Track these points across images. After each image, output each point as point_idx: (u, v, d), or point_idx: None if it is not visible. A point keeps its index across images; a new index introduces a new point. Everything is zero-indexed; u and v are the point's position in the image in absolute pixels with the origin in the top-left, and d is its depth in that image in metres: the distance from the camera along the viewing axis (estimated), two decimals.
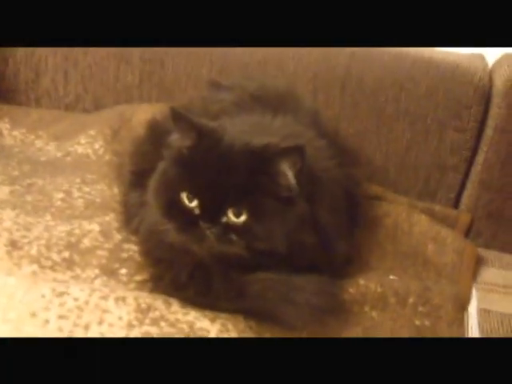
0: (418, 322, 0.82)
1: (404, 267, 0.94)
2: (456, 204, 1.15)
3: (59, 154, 1.12)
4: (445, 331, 0.82)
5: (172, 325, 0.71)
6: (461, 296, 0.90)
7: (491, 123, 1.06)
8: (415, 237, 1.00)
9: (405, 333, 0.80)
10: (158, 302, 0.74)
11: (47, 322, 0.70)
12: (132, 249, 0.86)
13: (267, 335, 0.74)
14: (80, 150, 1.12)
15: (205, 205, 0.73)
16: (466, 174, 1.12)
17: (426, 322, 0.83)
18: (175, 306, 0.74)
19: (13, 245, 0.84)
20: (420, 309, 0.84)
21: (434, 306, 0.85)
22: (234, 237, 0.72)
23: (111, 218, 0.92)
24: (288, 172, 0.73)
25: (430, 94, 1.09)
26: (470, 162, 1.11)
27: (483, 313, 0.89)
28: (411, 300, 0.85)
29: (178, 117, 0.76)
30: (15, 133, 1.18)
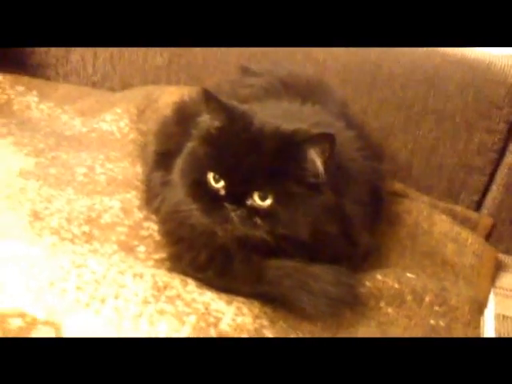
0: (433, 322, 0.82)
1: (422, 266, 0.93)
2: (478, 207, 1.13)
3: (84, 130, 1.13)
4: (460, 333, 0.81)
5: (187, 304, 0.71)
6: (478, 299, 0.88)
7: None
8: (435, 236, 0.99)
9: (419, 331, 0.79)
10: (175, 281, 0.74)
11: (65, 291, 0.70)
12: (152, 227, 0.86)
13: (281, 322, 0.73)
14: (105, 127, 1.13)
15: (231, 186, 0.72)
16: (492, 177, 1.11)
17: (441, 323, 0.82)
18: (192, 286, 0.74)
19: (35, 215, 0.85)
20: (436, 308, 0.83)
21: (451, 307, 0.84)
22: (258, 220, 0.71)
23: (133, 196, 0.92)
24: (316, 159, 0.72)
25: (460, 92, 1.07)
26: (497, 165, 1.09)
27: (500, 318, 0.88)
28: (428, 299, 0.84)
29: (209, 98, 0.75)
30: (42, 106, 1.19)
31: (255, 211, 0.72)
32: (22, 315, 0.66)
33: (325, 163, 0.72)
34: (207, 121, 0.77)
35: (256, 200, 0.72)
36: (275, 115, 0.79)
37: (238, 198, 0.72)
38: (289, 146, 0.72)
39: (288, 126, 0.74)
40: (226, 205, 0.72)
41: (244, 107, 0.78)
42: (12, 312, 0.66)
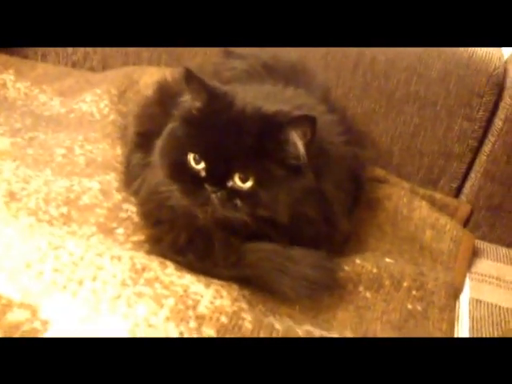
0: (410, 306, 0.83)
1: (401, 251, 0.93)
2: (457, 194, 1.14)
3: (63, 110, 1.11)
4: (436, 316, 0.82)
5: (166, 287, 0.70)
6: (454, 284, 0.90)
7: (501, 114, 1.05)
8: (414, 222, 1.00)
9: (396, 315, 0.80)
10: (154, 264, 0.73)
11: (42, 273, 0.70)
12: (131, 209, 0.85)
13: (260, 306, 0.73)
14: (84, 107, 1.11)
15: (212, 167, 0.72)
16: (471, 164, 1.11)
17: (418, 307, 0.83)
18: (171, 268, 0.74)
19: (11, 196, 0.83)
20: (413, 293, 0.85)
21: (428, 292, 0.85)
22: (238, 202, 0.71)
23: (112, 178, 0.91)
24: (298, 141, 0.72)
25: (442, 79, 1.07)
26: (476, 153, 1.10)
27: (475, 302, 0.89)
28: (405, 284, 0.85)
29: (191, 77, 0.74)
30: (19, 85, 1.17)
31: (236, 193, 0.71)
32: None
33: (306, 145, 0.72)
34: (188, 101, 0.76)
35: (236, 182, 0.71)
36: (257, 97, 0.79)
37: (218, 180, 0.71)
38: (270, 128, 0.72)
39: (269, 107, 0.74)
40: (207, 186, 0.72)
41: (226, 88, 0.77)
42: None
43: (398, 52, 1.10)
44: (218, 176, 0.72)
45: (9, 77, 1.16)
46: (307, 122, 0.71)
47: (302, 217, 0.75)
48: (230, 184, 0.72)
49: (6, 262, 0.70)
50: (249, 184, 0.71)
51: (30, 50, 1.31)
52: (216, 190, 0.71)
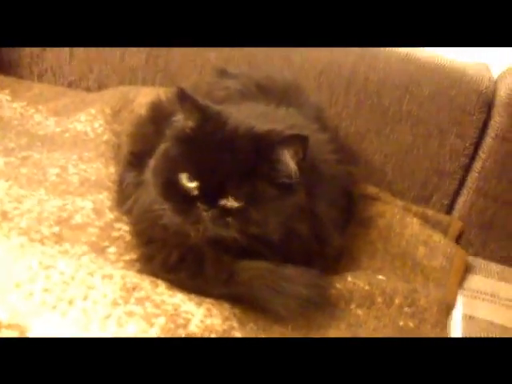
0: (402, 323, 0.83)
1: (393, 268, 0.94)
2: (450, 210, 1.15)
3: (58, 130, 1.12)
4: (428, 333, 0.82)
5: (157, 306, 0.70)
6: (446, 300, 0.90)
7: (491, 132, 1.06)
8: (406, 239, 1.00)
9: (388, 332, 0.80)
10: (145, 283, 0.74)
11: (31, 293, 0.69)
12: (123, 228, 0.85)
13: (251, 324, 0.73)
14: (79, 127, 1.11)
15: (204, 186, 0.72)
16: (462, 181, 1.12)
17: (410, 324, 0.83)
18: (162, 287, 0.74)
19: (3, 215, 0.83)
20: (405, 309, 0.85)
21: (420, 308, 0.85)
22: (229, 220, 0.72)
23: (105, 197, 0.92)
24: (289, 160, 0.73)
25: (434, 98, 1.09)
26: (467, 170, 1.11)
27: (468, 318, 0.89)
28: (397, 300, 0.85)
29: (184, 97, 0.75)
30: (15, 105, 1.17)
31: (227, 211, 0.72)
32: None
33: (298, 164, 0.73)
34: (181, 120, 0.77)
35: (228, 200, 0.72)
36: (250, 117, 0.80)
37: (210, 198, 0.72)
38: (262, 147, 0.73)
39: (261, 126, 0.75)
40: (199, 205, 0.72)
41: (219, 107, 0.78)
42: None
43: (390, 71, 1.11)
44: (211, 195, 0.72)
45: (5, 97, 1.17)
46: (299, 141, 0.72)
47: (293, 234, 0.75)
48: (221, 202, 0.72)
49: None
50: (240, 202, 0.72)
51: (26, 70, 1.32)
52: (208, 208, 0.72)
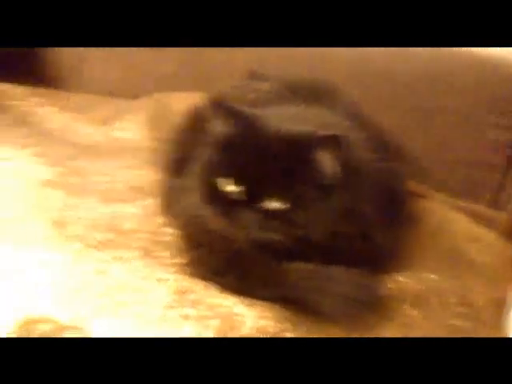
0: (457, 323, 0.81)
1: (444, 267, 0.91)
2: (497, 205, 1.12)
3: (100, 139, 1.15)
4: (485, 334, 0.80)
5: (210, 308, 0.71)
6: (502, 299, 0.87)
7: None
8: (456, 236, 0.98)
9: (443, 333, 0.78)
10: (197, 286, 0.75)
11: (90, 298, 0.71)
12: (172, 233, 0.87)
13: (303, 325, 0.73)
14: (121, 135, 1.15)
15: (247, 190, 0.73)
16: (507, 174, 1.09)
17: (466, 324, 0.81)
18: (214, 290, 0.74)
19: (59, 223, 0.86)
20: (460, 310, 0.82)
21: (475, 308, 0.83)
22: (273, 223, 0.72)
23: (152, 203, 0.93)
24: (328, 160, 0.72)
25: (473, 90, 1.06)
26: None
27: None
28: (451, 300, 0.83)
29: (220, 104, 0.76)
30: (59, 116, 1.22)
31: (270, 214, 0.72)
32: (51, 321, 0.67)
33: (336, 164, 0.73)
34: (219, 126, 0.78)
35: (270, 203, 0.72)
36: (285, 119, 0.80)
37: (253, 202, 0.72)
38: (299, 149, 0.73)
39: (297, 129, 0.75)
40: (242, 209, 0.73)
41: (254, 112, 0.79)
42: (40, 318, 0.67)
43: (425, 64, 1.10)
44: (253, 198, 0.72)
45: (51, 109, 1.21)
46: (335, 141, 0.72)
47: (337, 235, 0.75)
48: (264, 206, 0.72)
49: (57, 289, 0.72)
50: (284, 205, 0.72)
51: (68, 82, 1.36)
52: (251, 211, 0.72)
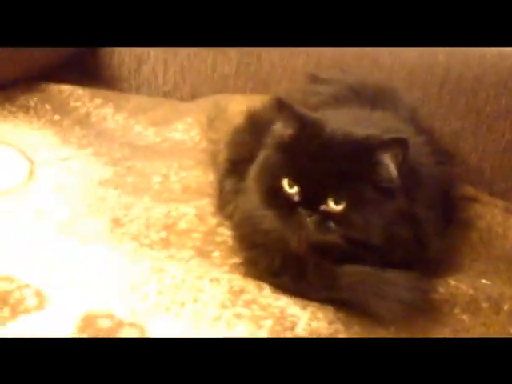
0: (511, 330, 0.80)
1: (498, 272, 0.90)
2: None
3: (157, 139, 1.18)
4: None
5: (263, 308, 0.73)
6: None
7: None
8: (510, 241, 0.96)
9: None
10: (251, 286, 0.77)
11: (146, 295, 0.75)
12: (226, 233, 0.89)
13: (356, 327, 0.74)
14: (177, 136, 1.17)
15: (305, 192, 0.74)
16: None
17: None
18: (267, 290, 0.76)
19: (115, 222, 0.90)
20: None
21: None
22: (332, 225, 0.73)
23: (206, 203, 0.96)
24: (389, 163, 0.73)
25: None
26: None
27: None
28: (506, 306, 0.82)
29: (283, 106, 0.78)
30: (117, 117, 1.25)
31: (329, 216, 0.73)
32: (111, 317, 0.70)
33: (397, 168, 0.73)
34: (280, 129, 0.79)
35: (330, 205, 0.73)
36: (346, 122, 0.81)
37: (312, 204, 0.74)
38: (361, 151, 0.74)
39: (360, 131, 0.76)
40: (300, 210, 0.74)
41: (316, 114, 0.80)
42: (102, 313, 0.71)
43: (485, 67, 1.08)
44: (312, 200, 0.74)
45: (109, 110, 1.25)
46: (398, 144, 0.72)
47: (394, 239, 0.75)
48: (323, 207, 0.74)
49: (117, 285, 0.75)
50: (342, 206, 0.73)
51: (126, 83, 1.40)
52: (310, 213, 0.73)
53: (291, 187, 0.75)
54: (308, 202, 0.74)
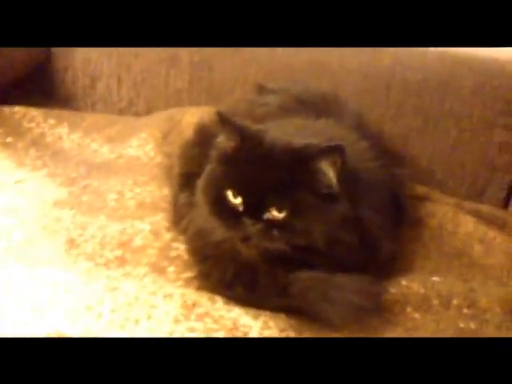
0: (462, 325, 0.81)
1: (449, 268, 0.93)
2: (505, 204, 1.12)
3: (112, 156, 1.18)
4: (491, 335, 0.80)
5: (216, 321, 0.74)
6: (510, 298, 0.88)
7: None
8: (460, 237, 0.99)
9: (448, 335, 0.80)
10: (204, 299, 0.77)
11: (101, 315, 0.75)
12: (180, 247, 0.90)
13: (307, 333, 0.75)
14: (132, 152, 1.17)
15: (248, 201, 0.76)
16: None
17: (472, 325, 0.82)
18: (220, 303, 0.77)
19: (71, 243, 0.90)
20: (465, 311, 0.83)
21: (480, 309, 0.84)
22: (275, 232, 0.75)
23: (161, 218, 0.96)
24: (328, 170, 0.75)
25: (476, 92, 1.08)
26: None
27: None
28: (455, 302, 0.84)
29: (224, 120, 0.80)
30: (73, 136, 1.24)
31: (272, 224, 0.75)
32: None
33: (337, 174, 0.75)
34: (223, 141, 0.81)
35: (272, 213, 0.75)
36: (289, 132, 0.83)
37: (255, 213, 0.75)
38: (300, 160, 0.76)
39: (299, 141, 0.78)
40: (245, 219, 0.75)
41: (256, 126, 0.82)
42: (54, 335, 0.71)
43: (428, 69, 1.11)
44: (255, 209, 0.76)
45: (64, 130, 1.24)
46: (336, 151, 0.74)
47: (339, 243, 0.77)
48: (266, 216, 0.75)
49: (67, 305, 0.75)
50: (284, 214, 0.75)
51: (81, 102, 1.40)
52: (254, 222, 0.75)
53: (235, 198, 0.77)
54: (252, 211, 0.75)
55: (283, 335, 0.73)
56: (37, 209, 0.98)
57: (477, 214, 1.05)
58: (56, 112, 1.30)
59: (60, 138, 1.24)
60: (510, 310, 0.85)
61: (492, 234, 1.00)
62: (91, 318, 0.74)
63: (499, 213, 1.08)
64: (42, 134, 1.24)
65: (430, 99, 1.11)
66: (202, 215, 0.84)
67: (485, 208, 1.08)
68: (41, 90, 1.40)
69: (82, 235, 0.92)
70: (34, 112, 1.27)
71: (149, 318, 0.74)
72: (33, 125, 1.25)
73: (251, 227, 0.75)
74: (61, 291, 0.78)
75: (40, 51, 1.36)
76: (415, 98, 1.12)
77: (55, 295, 0.78)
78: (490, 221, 1.05)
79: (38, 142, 1.22)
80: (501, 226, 1.05)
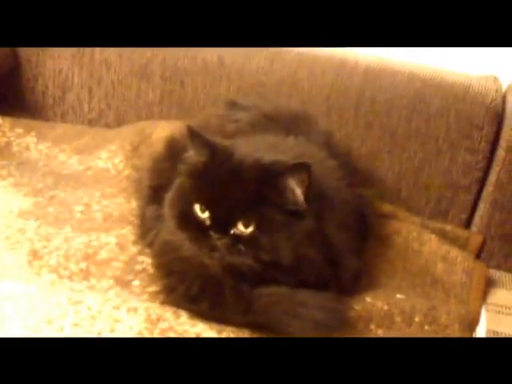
0: None
1: (412, 286, 0.95)
2: (468, 224, 1.15)
3: (81, 168, 1.17)
4: None
5: (179, 336, 0.73)
6: (469, 316, 0.90)
7: (503, 144, 1.07)
8: (425, 256, 1.01)
9: None
10: (168, 314, 0.77)
11: (62, 328, 0.73)
12: (146, 261, 0.89)
13: None
14: (101, 164, 1.16)
15: (215, 216, 0.76)
16: (479, 195, 1.13)
17: None
18: (184, 317, 0.77)
19: (34, 254, 0.88)
20: (426, 328, 0.85)
21: (441, 326, 0.86)
22: (242, 247, 0.75)
23: (128, 231, 0.96)
24: (295, 188, 0.76)
25: (441, 114, 1.11)
26: (482, 183, 1.12)
27: (492, 334, 0.88)
28: (417, 319, 0.86)
29: (194, 135, 0.80)
30: (41, 146, 1.22)
31: (239, 239, 0.75)
32: None
33: (304, 191, 0.76)
34: (193, 156, 0.81)
35: (239, 228, 0.76)
36: (258, 148, 0.83)
37: (222, 227, 0.76)
38: (268, 177, 0.76)
39: (268, 157, 0.79)
40: (211, 234, 0.76)
41: (226, 142, 0.83)
42: None
43: (396, 90, 1.14)
44: (222, 223, 0.76)
45: (31, 139, 1.23)
46: (303, 169, 0.75)
47: (304, 259, 0.78)
48: (233, 231, 0.76)
49: (29, 320, 0.74)
50: (250, 229, 0.75)
51: (50, 111, 1.38)
52: (220, 236, 0.75)
53: (203, 212, 0.77)
54: (218, 225, 0.76)
55: None
56: (0, 219, 0.96)
57: (441, 233, 1.08)
58: (24, 121, 1.28)
59: (27, 147, 1.23)
60: (469, 328, 0.88)
61: (454, 252, 1.02)
62: (52, 332, 0.73)
63: (462, 232, 1.11)
64: (9, 143, 1.22)
65: (397, 119, 1.13)
66: (169, 228, 0.84)
67: (448, 227, 1.11)
68: (9, 98, 1.38)
69: (46, 247, 0.90)
70: (0, 120, 1.25)
71: (112, 331, 0.73)
72: None
73: (217, 241, 0.75)
74: (21, 304, 0.77)
75: (8, 56, 1.34)
76: (383, 118, 1.14)
77: (16, 308, 0.76)
78: (452, 240, 1.08)
79: (3, 152, 1.19)
80: (463, 244, 1.08)
